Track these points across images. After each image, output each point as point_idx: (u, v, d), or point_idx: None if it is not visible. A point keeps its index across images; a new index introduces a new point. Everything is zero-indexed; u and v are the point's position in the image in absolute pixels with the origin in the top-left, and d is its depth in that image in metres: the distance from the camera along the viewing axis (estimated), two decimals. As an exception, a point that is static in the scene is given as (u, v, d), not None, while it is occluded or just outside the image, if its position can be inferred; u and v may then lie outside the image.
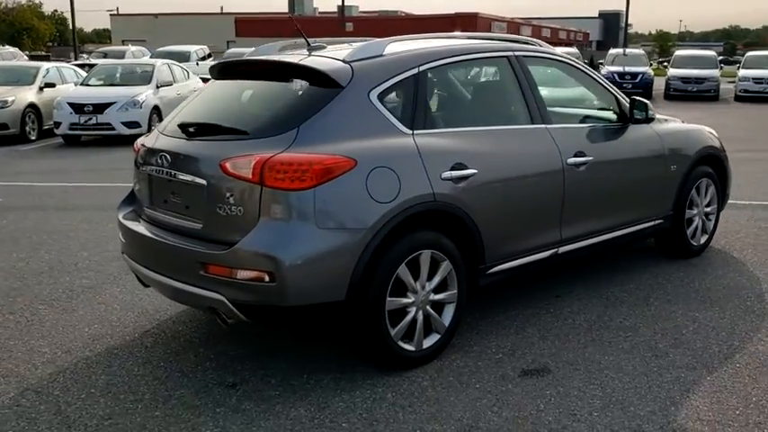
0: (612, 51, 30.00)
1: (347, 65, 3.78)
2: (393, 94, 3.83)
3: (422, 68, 3.98)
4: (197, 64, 26.39)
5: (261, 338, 4.28)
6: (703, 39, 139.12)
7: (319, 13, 59.46)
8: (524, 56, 4.59)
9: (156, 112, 14.25)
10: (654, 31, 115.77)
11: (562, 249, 4.61)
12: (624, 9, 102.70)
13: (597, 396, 3.56)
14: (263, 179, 3.39)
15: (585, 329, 4.40)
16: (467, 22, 45.10)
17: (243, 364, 3.96)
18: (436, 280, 3.87)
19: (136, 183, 4.29)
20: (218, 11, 74.14)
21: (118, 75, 15.71)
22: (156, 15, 65.96)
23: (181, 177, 3.73)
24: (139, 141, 4.30)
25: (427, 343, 3.89)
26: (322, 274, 3.45)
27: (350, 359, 3.95)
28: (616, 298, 4.94)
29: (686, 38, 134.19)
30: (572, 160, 4.52)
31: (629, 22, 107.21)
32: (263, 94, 4.07)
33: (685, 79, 25.53)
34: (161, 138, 4.04)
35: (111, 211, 7.70)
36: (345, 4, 57.93)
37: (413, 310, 3.79)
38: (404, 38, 4.19)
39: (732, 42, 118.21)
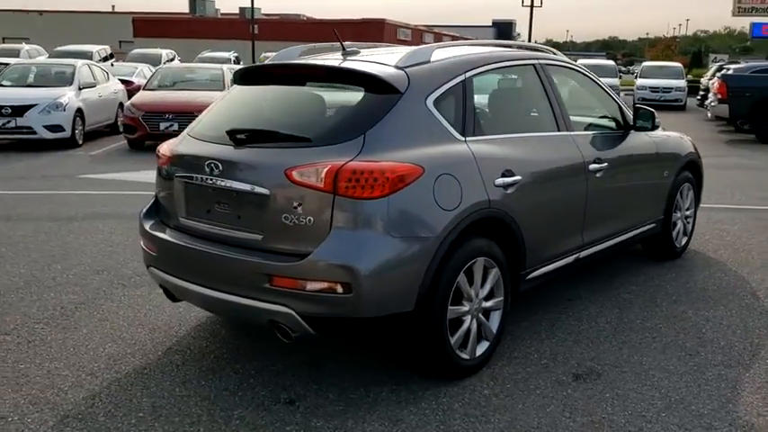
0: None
1: (401, 71, 3.72)
2: (446, 101, 3.80)
3: (467, 75, 3.97)
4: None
5: (295, 352, 4.13)
6: (585, 48, 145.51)
7: (221, 14, 58.22)
8: (547, 64, 4.67)
9: (80, 115, 13.52)
10: (544, 40, 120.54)
11: (583, 253, 4.72)
12: (515, 19, 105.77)
13: (656, 396, 3.66)
14: (337, 188, 3.28)
15: (612, 332, 4.51)
16: (374, 28, 45.46)
17: (290, 379, 3.81)
18: (487, 287, 3.87)
19: (163, 191, 4.05)
20: (110, 9, 71.15)
21: (32, 75, 14.78)
22: (40, 12, 62.38)
23: (234, 186, 3.55)
24: (166, 148, 4.05)
25: (479, 351, 3.88)
26: (395, 285, 3.38)
27: (395, 369, 3.88)
28: (624, 300, 5.09)
29: (569, 47, 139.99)
30: (593, 166, 4.63)
31: (518, 31, 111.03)
32: (314, 99, 3.93)
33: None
34: (200, 144, 3.83)
35: (64, 221, 7.35)
36: (245, 6, 57.08)
37: (467, 318, 3.77)
38: (443, 44, 4.16)
39: (612, 52, 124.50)
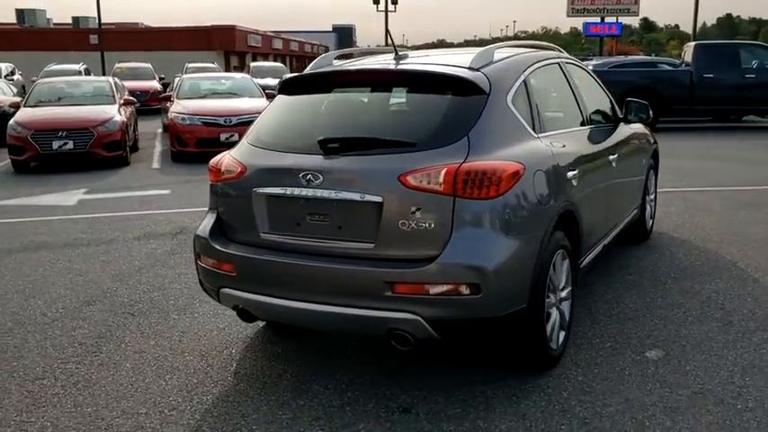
0: None
1: (478, 72, 3.77)
2: (518, 99, 3.89)
3: (526, 73, 4.09)
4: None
5: (368, 362, 4.09)
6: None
7: (54, 24, 54.48)
8: (566, 62, 4.89)
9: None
10: (375, 45, 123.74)
11: (606, 241, 4.99)
12: (355, 24, 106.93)
13: (728, 364, 3.96)
14: (456, 189, 3.29)
15: (644, 311, 4.81)
16: (224, 34, 44.47)
17: (387, 388, 3.76)
18: (563, 279, 4.01)
19: (230, 207, 3.85)
20: None
21: None
22: None
23: (339, 196, 3.44)
24: (231, 162, 3.84)
25: (560, 341, 4.01)
26: (515, 282, 3.44)
27: (480, 368, 3.94)
28: (632, 281, 5.43)
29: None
30: (611, 157, 4.91)
31: (354, 38, 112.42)
32: (399, 104, 3.88)
33: None
34: (284, 156, 3.67)
35: (1, 255, 6.65)
36: (81, 15, 53.90)
37: (553, 310, 3.89)
38: (493, 47, 4.20)
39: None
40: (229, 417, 3.53)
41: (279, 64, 35.07)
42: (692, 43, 17.93)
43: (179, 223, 7.84)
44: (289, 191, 3.56)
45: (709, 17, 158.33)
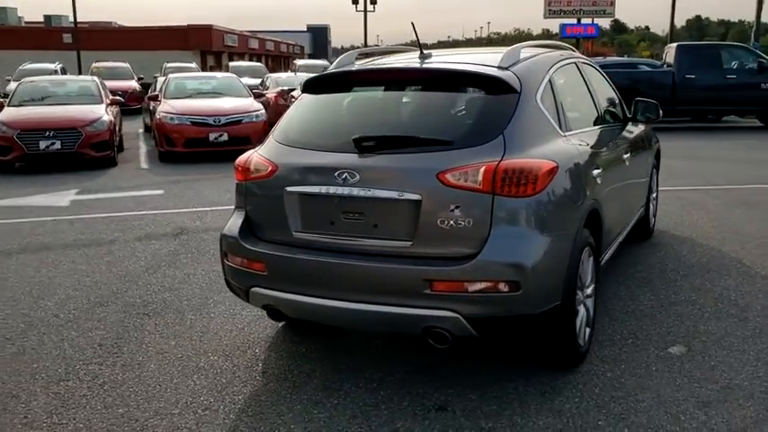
0: None
1: (508, 71, 3.80)
2: (546, 98, 3.92)
3: (550, 73, 4.13)
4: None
5: (394, 361, 4.10)
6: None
7: (25, 22, 53.62)
8: (582, 61, 4.94)
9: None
10: (349, 46, 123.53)
11: (620, 239, 5.05)
12: (329, 24, 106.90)
13: (751, 359, 4.03)
14: (495, 187, 3.31)
15: (659, 308, 4.87)
16: (201, 34, 44.15)
17: (419, 387, 3.76)
18: (589, 276, 4.05)
19: (259, 206, 3.83)
20: None
21: None
22: None
23: (376, 194, 3.44)
24: (261, 161, 3.82)
25: (587, 337, 4.05)
26: (551, 279, 3.47)
27: (508, 365, 3.97)
28: (643, 279, 5.50)
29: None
30: (625, 156, 4.97)
31: (329, 38, 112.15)
32: (432, 102, 3.89)
33: None
34: (317, 154, 3.66)
35: (2, 257, 6.53)
36: (53, 14, 53.18)
37: (581, 307, 3.93)
38: (519, 46, 4.21)
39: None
40: (265, 416, 3.51)
41: (258, 63, 34.90)
42: (674, 44, 18.18)
43: (178, 224, 7.77)
44: (324, 189, 3.56)
45: (678, 18, 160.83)
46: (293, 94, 16.38)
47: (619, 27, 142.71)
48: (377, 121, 3.91)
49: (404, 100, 4.02)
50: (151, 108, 15.62)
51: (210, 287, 5.51)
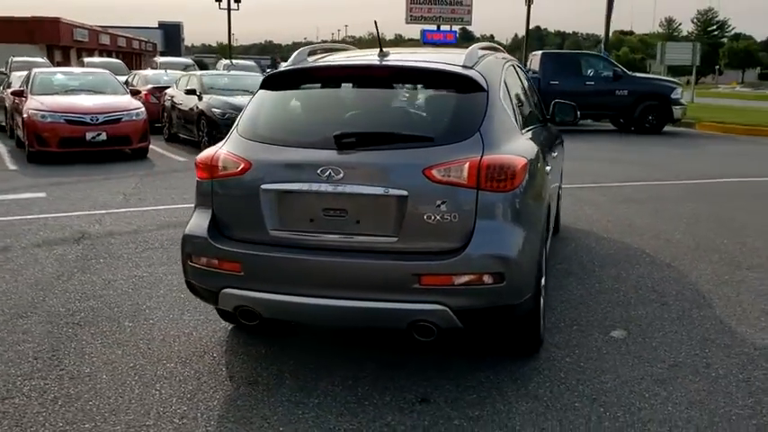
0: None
1: (474, 70, 3.91)
2: (505, 98, 4.07)
3: (504, 73, 4.30)
4: None
5: (367, 359, 4.11)
6: (244, 51, 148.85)
7: None
8: (516, 63, 5.17)
9: None
10: (214, 43, 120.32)
11: (551, 232, 5.33)
12: (181, 21, 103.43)
13: (686, 338, 4.40)
14: (480, 182, 3.42)
15: (589, 296, 5.21)
16: (47, 27, 41.33)
17: (394, 381, 3.80)
18: (544, 267, 4.25)
19: (231, 205, 3.71)
20: None
21: None
22: None
23: (362, 191, 3.44)
24: (230, 158, 3.69)
25: (543, 326, 4.26)
26: (529, 270, 3.62)
27: (467, 356, 4.10)
28: (566, 270, 5.85)
29: (236, 51, 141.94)
30: (554, 154, 5.26)
31: (182, 35, 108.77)
32: (404, 100, 3.92)
33: None
34: (292, 151, 3.60)
35: None
36: None
37: (541, 297, 4.12)
38: (475, 47, 4.29)
39: (273, 56, 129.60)
40: (250, 420, 3.41)
41: (116, 60, 33.24)
42: (539, 52, 19.28)
43: (75, 228, 7.29)
44: (305, 186, 3.51)
45: (518, 28, 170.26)
46: (168, 92, 15.81)
47: (466, 35, 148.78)
48: (353, 118, 3.89)
49: (377, 97, 4.02)
50: (8, 105, 14.52)
51: (138, 293, 5.24)
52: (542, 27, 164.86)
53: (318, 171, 3.47)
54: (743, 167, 12.33)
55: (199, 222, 3.78)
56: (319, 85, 4.09)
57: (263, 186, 3.58)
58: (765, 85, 64.88)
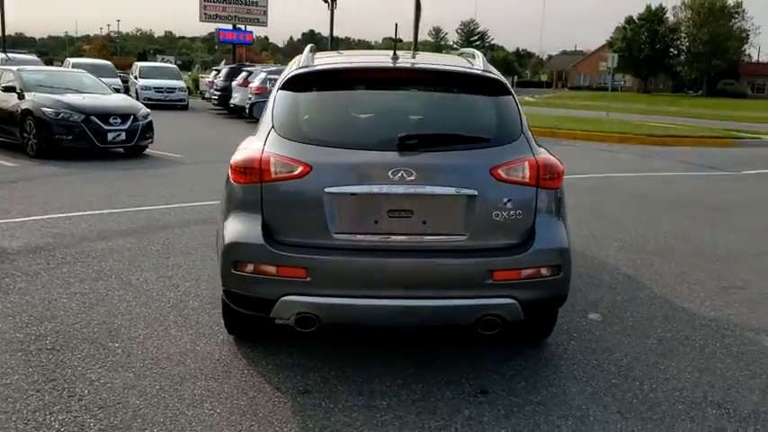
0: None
1: (497, 75, 4.12)
2: None
3: None
4: None
5: (369, 358, 4.17)
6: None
7: None
8: None
9: None
10: None
11: None
12: None
13: (661, 316, 4.97)
14: (539, 181, 3.65)
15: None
16: None
17: (441, 379, 3.90)
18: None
19: (287, 210, 3.57)
20: None
21: None
22: None
23: (434, 191, 3.51)
24: (288, 162, 3.54)
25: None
26: (571, 262, 3.90)
27: (478, 348, 4.33)
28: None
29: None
30: None
31: None
32: (449, 101, 3.99)
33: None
34: (355, 154, 3.55)
35: None
36: None
37: None
38: (475, 51, 4.48)
39: (32, 50, 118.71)
40: (334, 428, 3.34)
41: None
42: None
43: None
44: (375, 188, 3.49)
45: (294, 31, 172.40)
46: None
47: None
48: (406, 120, 3.90)
49: (423, 99, 4.05)
50: None
51: (93, 310, 4.77)
52: (316, 31, 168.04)
53: (390, 173, 3.47)
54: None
55: (245, 228, 3.59)
56: (361, 86, 4.04)
57: (328, 190, 3.50)
58: (523, 93, 71.88)
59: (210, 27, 40.44)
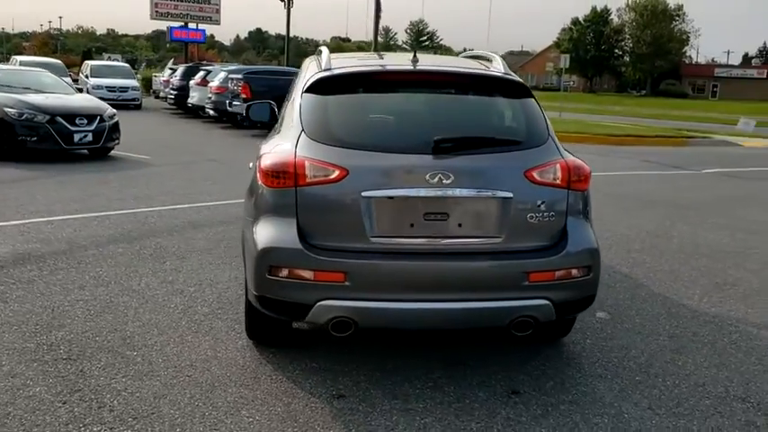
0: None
1: (514, 76, 4.18)
2: None
3: None
4: None
5: (398, 362, 4.19)
6: None
7: None
8: None
9: None
10: None
11: None
12: None
13: (665, 313, 5.10)
14: (570, 183, 3.72)
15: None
16: None
17: (466, 381, 3.92)
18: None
19: (323, 214, 3.55)
20: None
21: None
22: None
23: (471, 194, 3.53)
24: (323, 166, 3.52)
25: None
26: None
27: (501, 349, 4.39)
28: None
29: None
30: None
31: None
32: (479, 104, 4.01)
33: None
34: (390, 157, 3.55)
35: None
36: None
37: None
38: (495, 56, 4.53)
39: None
40: (373, 429, 3.34)
41: None
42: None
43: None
44: (413, 191, 3.50)
45: (242, 30, 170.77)
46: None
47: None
48: (438, 122, 3.88)
49: (452, 101, 4.07)
50: None
51: (100, 317, 4.66)
52: (264, 29, 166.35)
53: (428, 176, 3.48)
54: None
55: (280, 233, 3.55)
56: (388, 89, 4.03)
57: (365, 193, 3.49)
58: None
59: (156, 25, 39.69)
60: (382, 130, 3.87)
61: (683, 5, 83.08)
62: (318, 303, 3.49)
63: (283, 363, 4.05)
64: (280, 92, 18.13)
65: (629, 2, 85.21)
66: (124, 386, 3.71)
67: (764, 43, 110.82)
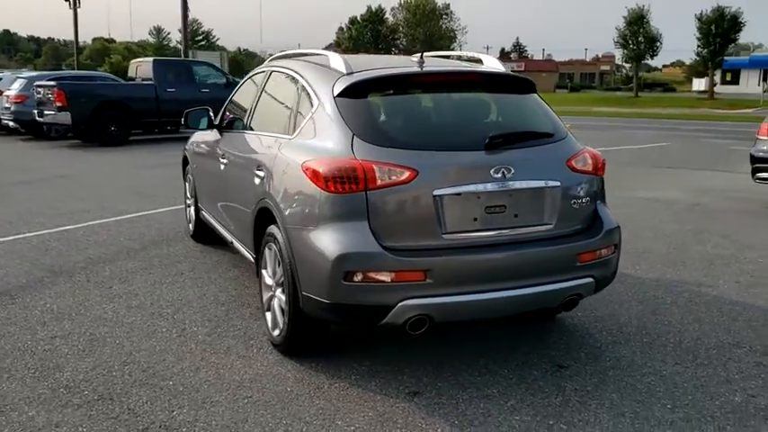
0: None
1: (521, 74, 4.49)
2: None
3: None
4: None
5: (403, 360, 4.36)
6: None
7: None
8: None
9: None
10: None
11: None
12: None
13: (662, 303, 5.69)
14: (597, 170, 4.11)
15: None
16: None
17: (515, 362, 4.17)
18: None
19: (395, 215, 3.60)
20: None
21: None
22: None
23: (528, 186, 3.76)
24: (392, 168, 3.55)
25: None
26: None
27: (495, 338, 4.71)
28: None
29: None
30: None
31: None
32: (510, 101, 4.26)
33: None
34: (453, 155, 3.69)
35: None
36: None
37: None
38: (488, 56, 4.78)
39: None
40: (481, 421, 3.47)
41: None
42: (150, 59, 18.74)
43: None
44: (480, 187, 3.65)
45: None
46: None
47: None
48: (480, 120, 4.07)
49: (477, 100, 4.26)
50: None
51: (133, 342, 4.28)
52: (12, 31, 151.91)
53: (492, 171, 3.66)
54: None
55: (352, 238, 3.54)
56: (420, 90, 4.15)
57: (436, 192, 3.59)
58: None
59: None
60: (436, 130, 3.97)
61: (449, 4, 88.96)
62: (400, 303, 3.53)
63: (331, 371, 4.01)
64: (102, 98, 17.03)
65: (402, 1, 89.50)
66: (192, 417, 3.48)
67: (517, 38, 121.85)
